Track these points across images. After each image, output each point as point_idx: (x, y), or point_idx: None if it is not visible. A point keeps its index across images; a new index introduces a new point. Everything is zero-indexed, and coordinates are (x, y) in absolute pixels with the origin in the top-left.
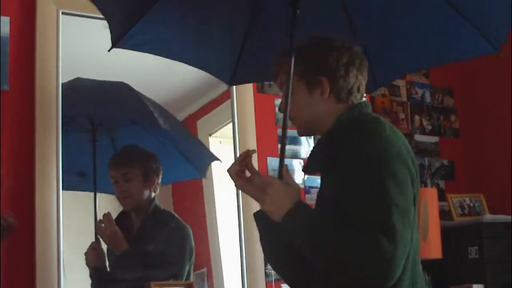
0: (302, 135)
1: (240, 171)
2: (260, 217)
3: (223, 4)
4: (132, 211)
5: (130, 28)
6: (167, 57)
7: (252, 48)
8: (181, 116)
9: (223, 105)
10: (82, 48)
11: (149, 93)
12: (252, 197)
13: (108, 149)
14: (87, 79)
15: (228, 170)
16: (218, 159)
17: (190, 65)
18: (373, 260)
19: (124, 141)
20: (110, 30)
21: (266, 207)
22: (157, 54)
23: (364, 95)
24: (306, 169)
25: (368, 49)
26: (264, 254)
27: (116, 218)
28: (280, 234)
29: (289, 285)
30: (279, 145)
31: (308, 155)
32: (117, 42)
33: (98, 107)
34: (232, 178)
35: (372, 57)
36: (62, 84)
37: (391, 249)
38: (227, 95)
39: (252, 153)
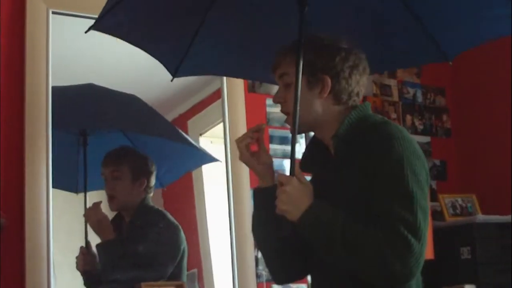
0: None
1: (249, 144)
2: (261, 195)
3: None
4: (123, 212)
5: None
6: (128, 42)
7: (204, 40)
8: (171, 116)
9: (213, 105)
10: (72, 48)
11: (138, 92)
12: (256, 173)
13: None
14: (100, 87)
15: (237, 141)
16: (217, 159)
17: (145, 51)
18: (405, 258)
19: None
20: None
21: (283, 205)
22: (123, 39)
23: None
24: (305, 168)
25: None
26: (255, 237)
27: (112, 220)
28: (277, 220)
29: (273, 275)
30: (270, 145)
31: (303, 154)
32: (98, 22)
33: (87, 114)
34: (239, 150)
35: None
36: (74, 86)
37: (419, 247)
38: (217, 95)
39: (263, 128)
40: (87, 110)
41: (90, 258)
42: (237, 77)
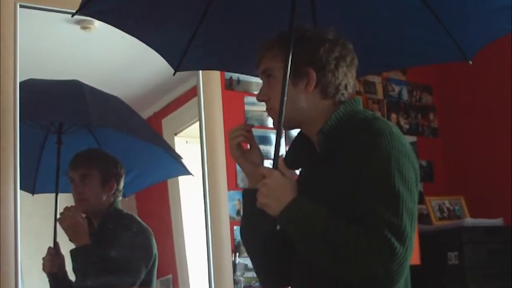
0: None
1: (240, 142)
2: (249, 196)
3: None
4: (92, 216)
5: None
6: (125, 31)
7: (206, 34)
8: (145, 115)
9: (189, 103)
10: (41, 43)
11: (110, 90)
12: (245, 172)
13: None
14: (42, 80)
15: (230, 137)
16: (190, 173)
17: (145, 43)
18: (387, 262)
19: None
20: None
21: (263, 199)
22: (117, 27)
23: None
24: (290, 164)
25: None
26: (243, 240)
27: None
28: (265, 222)
29: (261, 280)
30: (248, 146)
31: (288, 149)
32: (82, 8)
33: (61, 111)
34: (231, 147)
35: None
36: (56, 81)
37: (403, 251)
38: (193, 92)
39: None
40: (63, 107)
41: (58, 260)
42: (239, 72)
